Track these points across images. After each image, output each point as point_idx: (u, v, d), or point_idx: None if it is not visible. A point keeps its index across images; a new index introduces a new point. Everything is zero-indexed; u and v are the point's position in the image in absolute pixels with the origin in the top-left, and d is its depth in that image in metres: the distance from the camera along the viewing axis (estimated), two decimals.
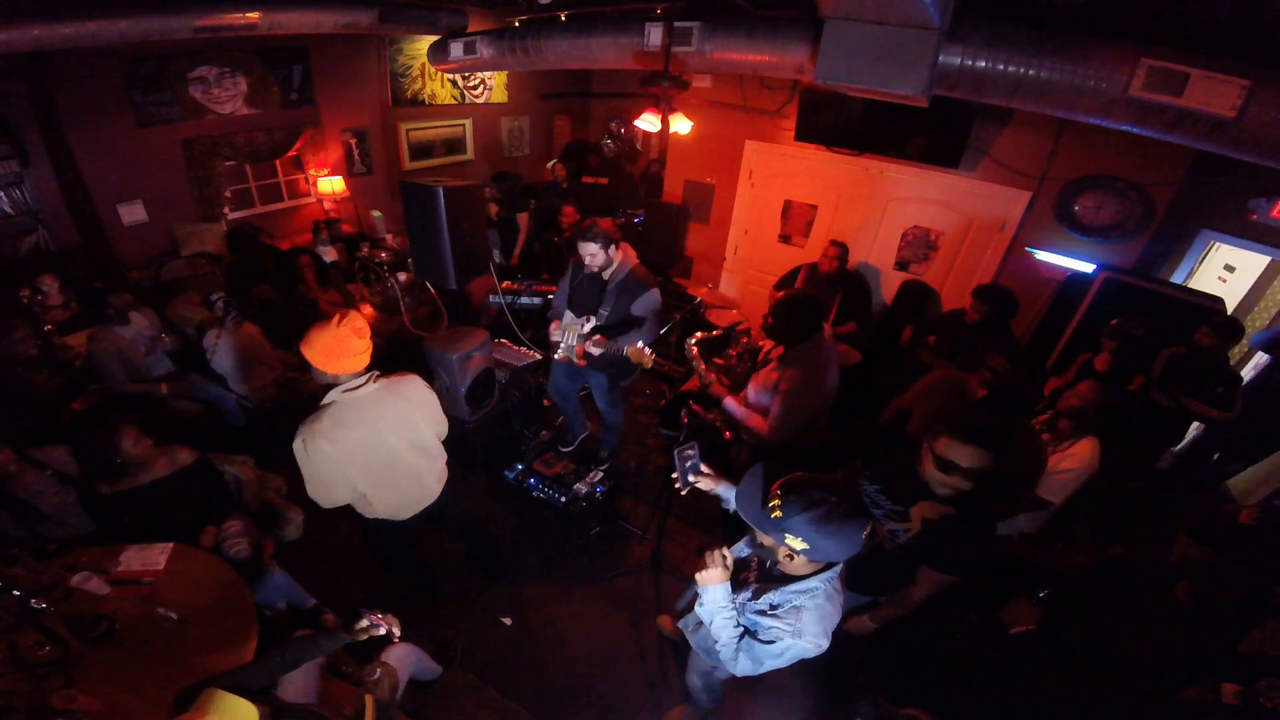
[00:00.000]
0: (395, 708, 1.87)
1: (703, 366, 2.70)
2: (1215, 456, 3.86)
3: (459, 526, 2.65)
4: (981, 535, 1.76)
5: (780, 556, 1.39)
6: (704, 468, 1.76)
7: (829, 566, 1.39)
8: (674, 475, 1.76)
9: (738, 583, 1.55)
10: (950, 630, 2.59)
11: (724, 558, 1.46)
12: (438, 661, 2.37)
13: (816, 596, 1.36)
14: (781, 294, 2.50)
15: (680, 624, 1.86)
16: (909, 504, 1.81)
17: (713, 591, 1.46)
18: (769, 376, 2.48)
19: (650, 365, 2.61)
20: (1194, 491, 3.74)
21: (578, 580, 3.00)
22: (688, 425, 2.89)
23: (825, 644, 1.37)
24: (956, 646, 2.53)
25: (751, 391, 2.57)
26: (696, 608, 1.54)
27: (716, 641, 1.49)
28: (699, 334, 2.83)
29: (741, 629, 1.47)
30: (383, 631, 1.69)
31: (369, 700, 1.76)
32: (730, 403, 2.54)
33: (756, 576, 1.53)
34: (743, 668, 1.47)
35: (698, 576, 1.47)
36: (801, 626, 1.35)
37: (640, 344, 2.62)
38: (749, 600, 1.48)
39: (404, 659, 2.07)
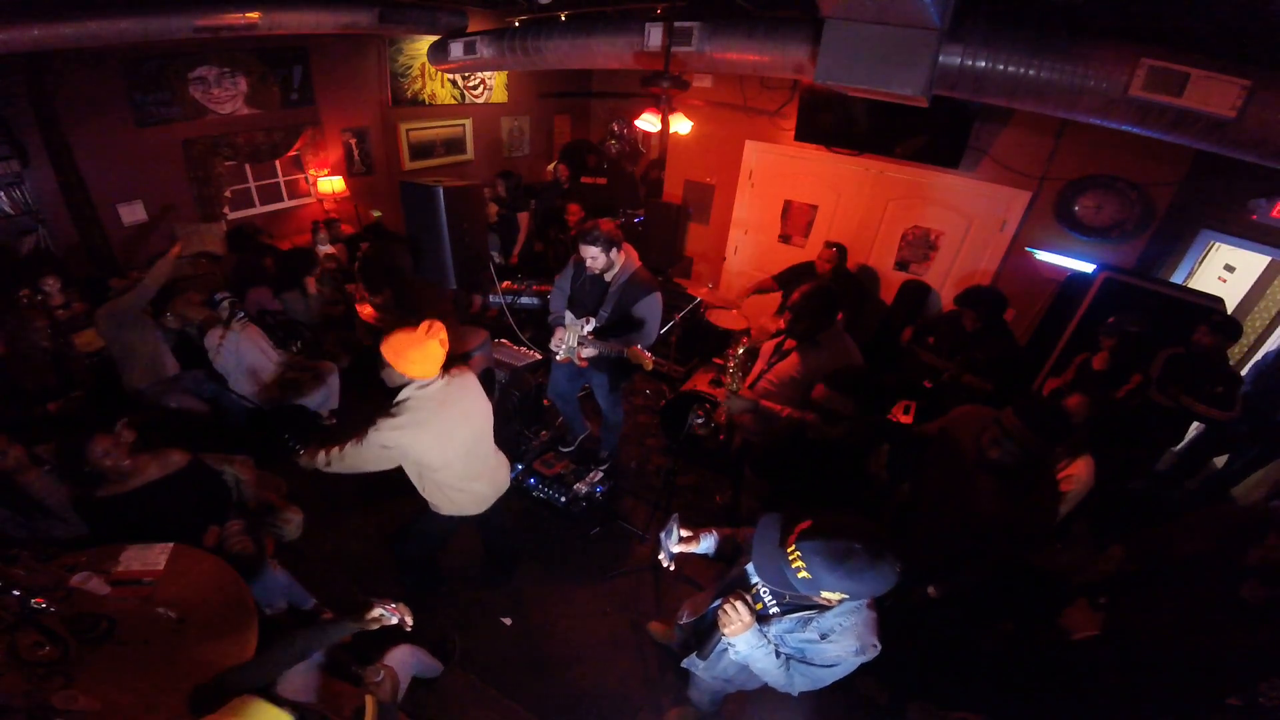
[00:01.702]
0: (396, 709, 1.87)
1: (740, 377, 2.68)
2: (1223, 461, 3.86)
3: (501, 523, 2.69)
4: (911, 444, 2.22)
5: (818, 600, 1.36)
6: (684, 531, 1.74)
7: None
8: (660, 556, 1.73)
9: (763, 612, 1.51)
10: (987, 640, 2.60)
11: (746, 605, 1.41)
12: (437, 657, 2.37)
13: (861, 611, 1.35)
14: (796, 294, 2.50)
15: (687, 664, 1.83)
16: (861, 472, 2.24)
17: (744, 639, 1.41)
18: (790, 370, 2.53)
19: (650, 367, 2.61)
20: (1199, 496, 3.75)
21: (578, 580, 3.00)
22: (689, 424, 2.88)
23: (879, 645, 1.36)
24: (1000, 654, 2.54)
25: (771, 387, 2.58)
26: (731, 655, 1.49)
27: (763, 674, 1.46)
28: (745, 340, 2.81)
29: (785, 657, 1.44)
30: (394, 621, 1.70)
31: (369, 701, 1.75)
32: (768, 406, 2.54)
33: (788, 606, 1.47)
34: (801, 687, 1.45)
35: (725, 632, 1.42)
36: (861, 643, 1.33)
37: (640, 345, 2.63)
38: (792, 631, 1.42)
39: (405, 660, 2.07)
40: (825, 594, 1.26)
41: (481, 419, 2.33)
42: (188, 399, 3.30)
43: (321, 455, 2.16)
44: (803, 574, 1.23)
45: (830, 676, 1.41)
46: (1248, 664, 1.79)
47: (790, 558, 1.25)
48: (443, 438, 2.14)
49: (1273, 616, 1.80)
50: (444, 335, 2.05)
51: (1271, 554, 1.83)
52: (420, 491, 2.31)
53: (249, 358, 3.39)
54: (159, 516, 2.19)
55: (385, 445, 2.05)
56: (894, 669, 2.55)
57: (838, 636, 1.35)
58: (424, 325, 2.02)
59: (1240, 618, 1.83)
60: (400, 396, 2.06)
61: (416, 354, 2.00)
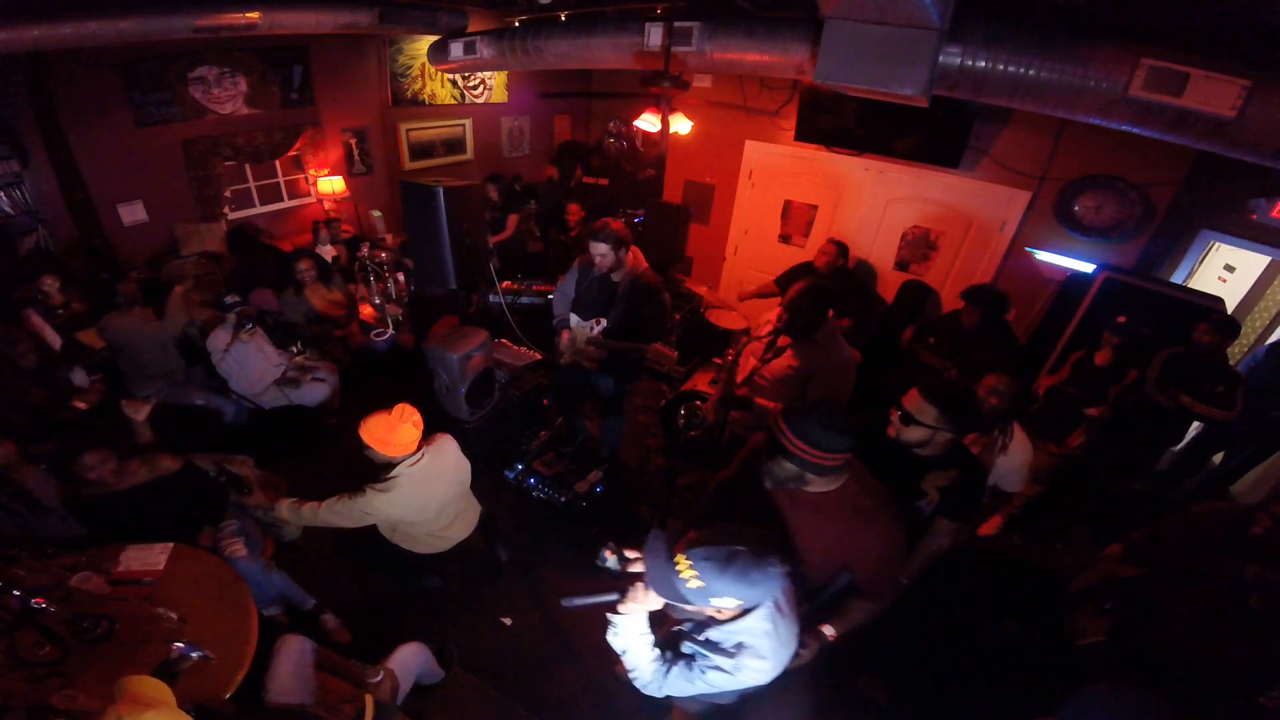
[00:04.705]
0: (396, 709, 1.86)
1: (734, 376, 2.67)
2: (1218, 458, 3.86)
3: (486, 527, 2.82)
4: (979, 485, 2.03)
5: (709, 614, 1.33)
6: (630, 553, 1.52)
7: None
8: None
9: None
10: (989, 641, 2.60)
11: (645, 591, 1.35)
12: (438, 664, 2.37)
13: (755, 635, 1.32)
14: (791, 292, 2.49)
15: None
16: (918, 482, 1.92)
17: (633, 621, 1.39)
18: (785, 367, 2.51)
19: (672, 366, 2.61)
20: (1198, 494, 3.75)
21: (578, 580, 3.00)
22: (684, 424, 2.87)
23: (770, 675, 1.34)
24: (1002, 654, 2.53)
25: (764, 384, 2.57)
26: (610, 638, 1.43)
27: (633, 670, 1.43)
28: (745, 339, 2.78)
29: (658, 653, 1.42)
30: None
31: (369, 701, 1.75)
32: (762, 403, 2.52)
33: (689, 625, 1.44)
34: (670, 689, 1.42)
35: (621, 609, 1.38)
36: (740, 662, 1.31)
37: (659, 344, 2.65)
38: (687, 630, 1.39)
39: (408, 661, 2.06)
40: (716, 602, 1.24)
41: (460, 480, 2.49)
42: (205, 394, 3.32)
43: (291, 507, 2.29)
44: (693, 582, 1.21)
45: (705, 685, 1.36)
46: (1256, 671, 1.79)
47: (680, 567, 1.24)
48: (423, 503, 2.30)
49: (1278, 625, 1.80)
50: (417, 418, 2.21)
51: (1265, 575, 1.84)
52: (389, 539, 2.43)
53: (252, 360, 3.38)
54: (147, 517, 2.18)
55: (368, 513, 2.20)
56: (894, 669, 2.56)
57: (727, 647, 1.33)
58: (397, 410, 2.18)
59: (1250, 626, 1.83)
60: (391, 473, 2.20)
61: (394, 438, 2.15)
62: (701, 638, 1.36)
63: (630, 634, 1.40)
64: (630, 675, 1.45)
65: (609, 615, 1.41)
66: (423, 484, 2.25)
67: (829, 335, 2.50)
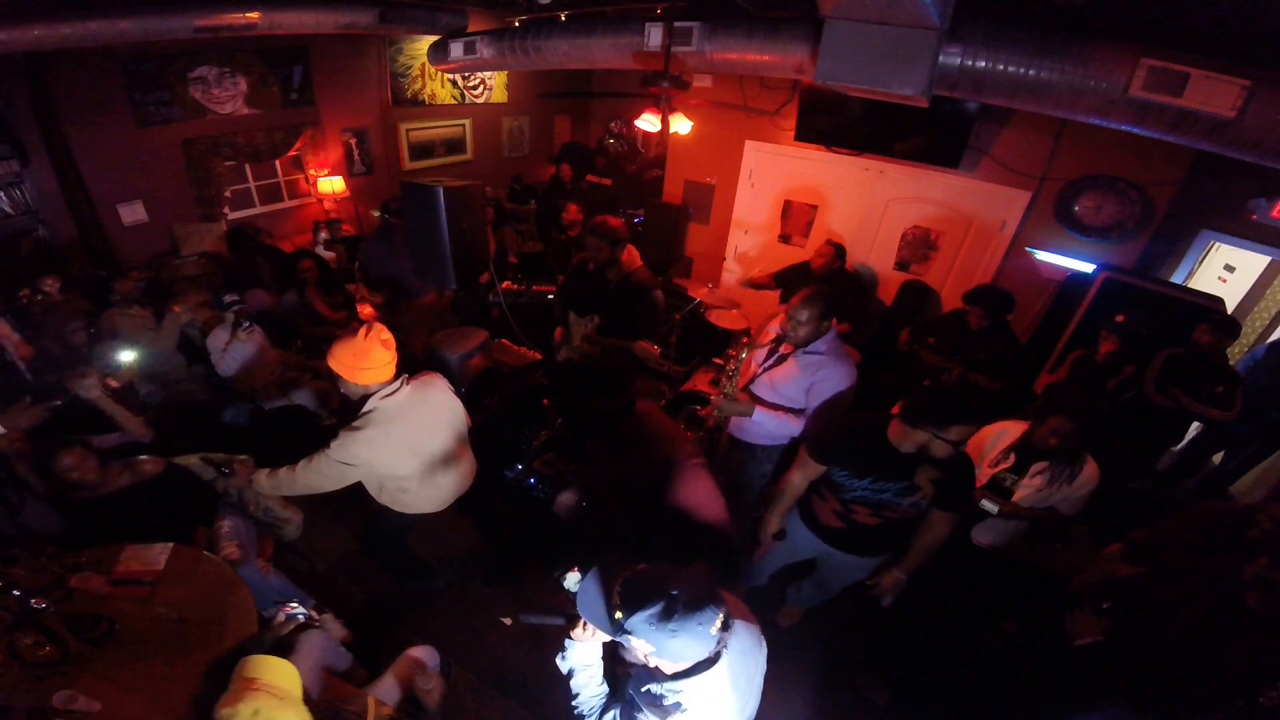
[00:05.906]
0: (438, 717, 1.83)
1: (736, 380, 2.66)
2: (1219, 458, 3.86)
3: (489, 511, 2.73)
4: (969, 474, 2.03)
5: (641, 658, 1.23)
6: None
7: (708, 664, 1.20)
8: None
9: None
10: (989, 640, 2.60)
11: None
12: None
13: (697, 700, 1.19)
14: (795, 300, 2.46)
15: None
16: (910, 477, 1.92)
17: (583, 648, 1.35)
18: (787, 375, 2.49)
19: (656, 361, 2.63)
20: (1198, 494, 3.75)
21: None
22: (685, 428, 2.88)
23: None
24: (1002, 654, 2.53)
25: (765, 390, 2.56)
26: (558, 660, 1.40)
27: (574, 698, 1.39)
28: (746, 341, 2.76)
29: (605, 690, 1.39)
30: (302, 616, 1.67)
31: (371, 701, 1.75)
32: (763, 411, 2.51)
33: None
34: None
35: (574, 634, 1.35)
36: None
37: (644, 341, 2.66)
38: (636, 677, 1.31)
39: (422, 654, 2.06)
40: (633, 640, 1.16)
41: (450, 425, 2.27)
42: (206, 392, 3.32)
43: (269, 475, 2.11)
44: (617, 614, 1.15)
45: None
46: (1255, 670, 1.79)
47: (614, 594, 1.18)
48: (410, 447, 2.08)
49: (1276, 624, 1.80)
50: (386, 335, 1.97)
51: (1266, 573, 1.84)
52: (376, 498, 2.25)
53: (252, 360, 3.38)
54: (136, 520, 2.16)
55: (348, 462, 1.98)
56: (894, 669, 2.57)
57: (667, 704, 1.22)
58: (363, 329, 1.95)
59: (1246, 625, 1.82)
60: (365, 408, 1.97)
61: (364, 362, 1.93)
62: (643, 689, 1.26)
63: (577, 661, 1.37)
64: (572, 702, 1.41)
65: (566, 640, 1.38)
66: (404, 420, 2.01)
67: (831, 344, 2.47)
